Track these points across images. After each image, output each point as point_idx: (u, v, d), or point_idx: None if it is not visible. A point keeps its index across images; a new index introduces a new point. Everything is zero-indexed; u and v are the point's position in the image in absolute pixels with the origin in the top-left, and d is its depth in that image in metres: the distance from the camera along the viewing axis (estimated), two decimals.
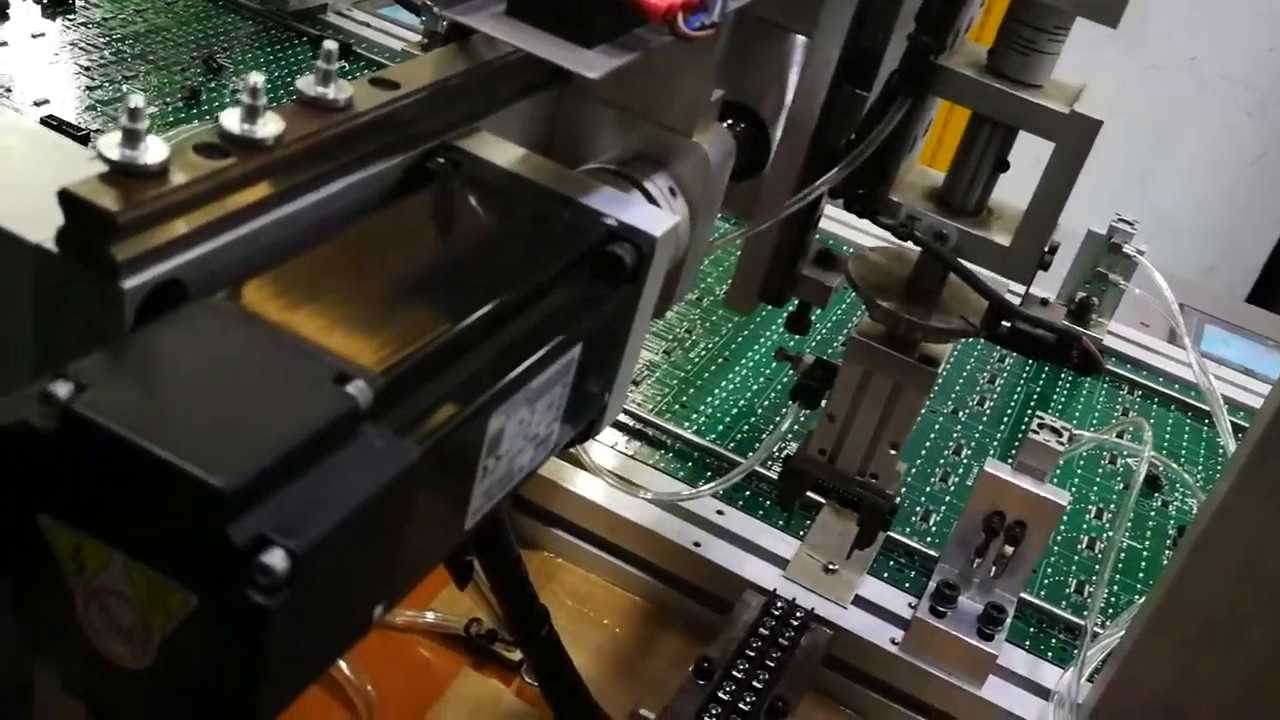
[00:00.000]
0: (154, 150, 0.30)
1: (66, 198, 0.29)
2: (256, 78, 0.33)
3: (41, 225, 0.30)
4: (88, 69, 0.95)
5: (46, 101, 0.89)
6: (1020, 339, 0.55)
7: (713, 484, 0.73)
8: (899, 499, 0.65)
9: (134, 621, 0.27)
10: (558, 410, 0.37)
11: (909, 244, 0.55)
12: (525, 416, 0.35)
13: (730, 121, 0.53)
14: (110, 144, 0.30)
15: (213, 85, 0.98)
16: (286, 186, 0.34)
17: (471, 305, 0.33)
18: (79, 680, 0.29)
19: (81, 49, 0.98)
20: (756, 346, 0.93)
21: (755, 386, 0.88)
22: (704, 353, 0.90)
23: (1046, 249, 0.54)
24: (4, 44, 0.96)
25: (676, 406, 0.83)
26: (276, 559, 0.25)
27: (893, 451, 0.61)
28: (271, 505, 0.26)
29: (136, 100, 0.30)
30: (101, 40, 1.00)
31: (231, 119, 0.33)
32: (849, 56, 0.52)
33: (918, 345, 0.59)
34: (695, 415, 0.83)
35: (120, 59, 0.98)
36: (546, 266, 0.36)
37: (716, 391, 0.86)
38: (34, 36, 0.98)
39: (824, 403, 0.63)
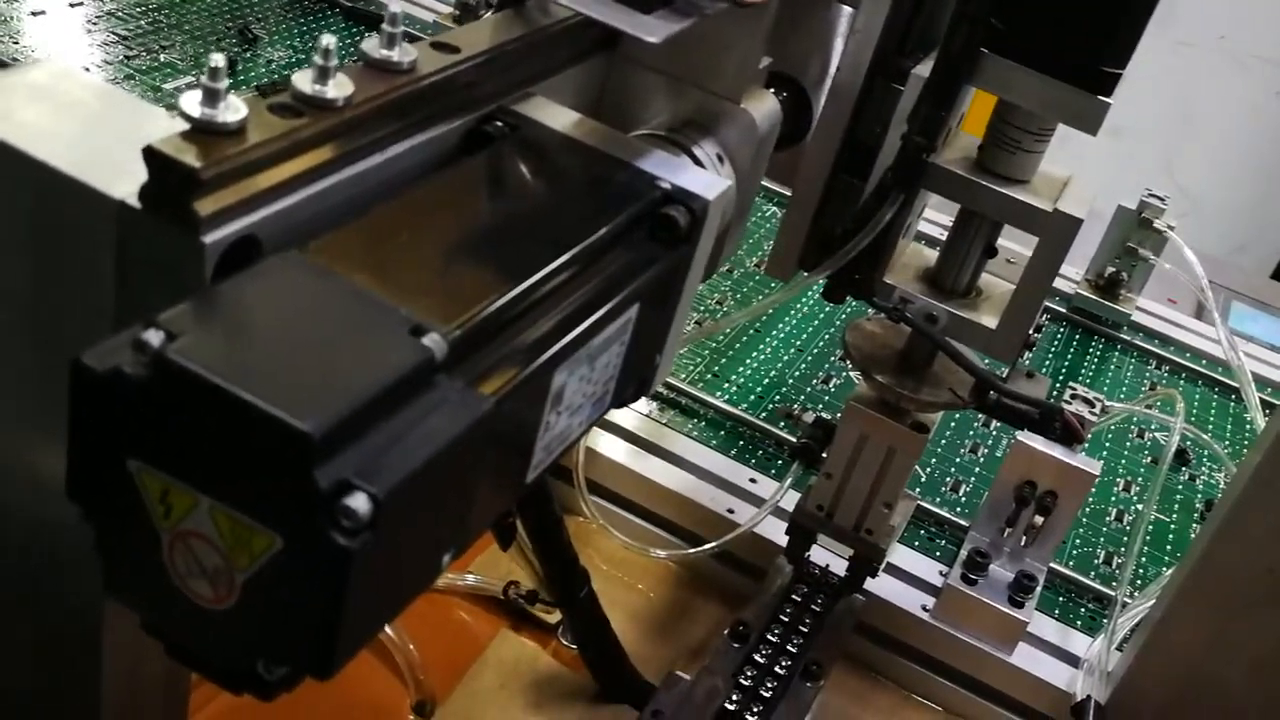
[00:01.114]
0: (233, 109, 0.31)
1: (151, 154, 0.30)
2: (328, 39, 0.33)
3: (122, 181, 0.31)
4: (125, 38, 0.96)
5: (86, 70, 0.90)
6: (1006, 411, 0.59)
7: (714, 544, 0.71)
8: (931, 464, 0.66)
9: (218, 563, 0.28)
10: (615, 368, 0.38)
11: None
12: (585, 373, 0.36)
13: (774, 90, 0.54)
14: (192, 102, 0.31)
15: (248, 55, 0.99)
16: (355, 146, 0.35)
17: (534, 264, 0.34)
18: (159, 621, 0.31)
19: (118, 18, 0.99)
20: (788, 318, 0.93)
21: (786, 357, 0.88)
22: (735, 323, 0.90)
23: (1029, 335, 0.58)
24: (42, 12, 0.97)
25: (709, 376, 0.84)
26: (359, 502, 0.26)
27: (885, 509, 0.64)
28: (354, 451, 0.26)
29: (218, 60, 0.31)
30: (138, 10, 1.01)
31: (304, 80, 0.34)
32: (846, 150, 0.55)
33: (910, 413, 0.61)
34: (727, 385, 0.84)
35: (156, 28, 0.99)
36: (604, 227, 0.37)
37: (748, 362, 0.87)
38: (71, 5, 0.99)
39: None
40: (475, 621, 0.68)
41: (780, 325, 0.92)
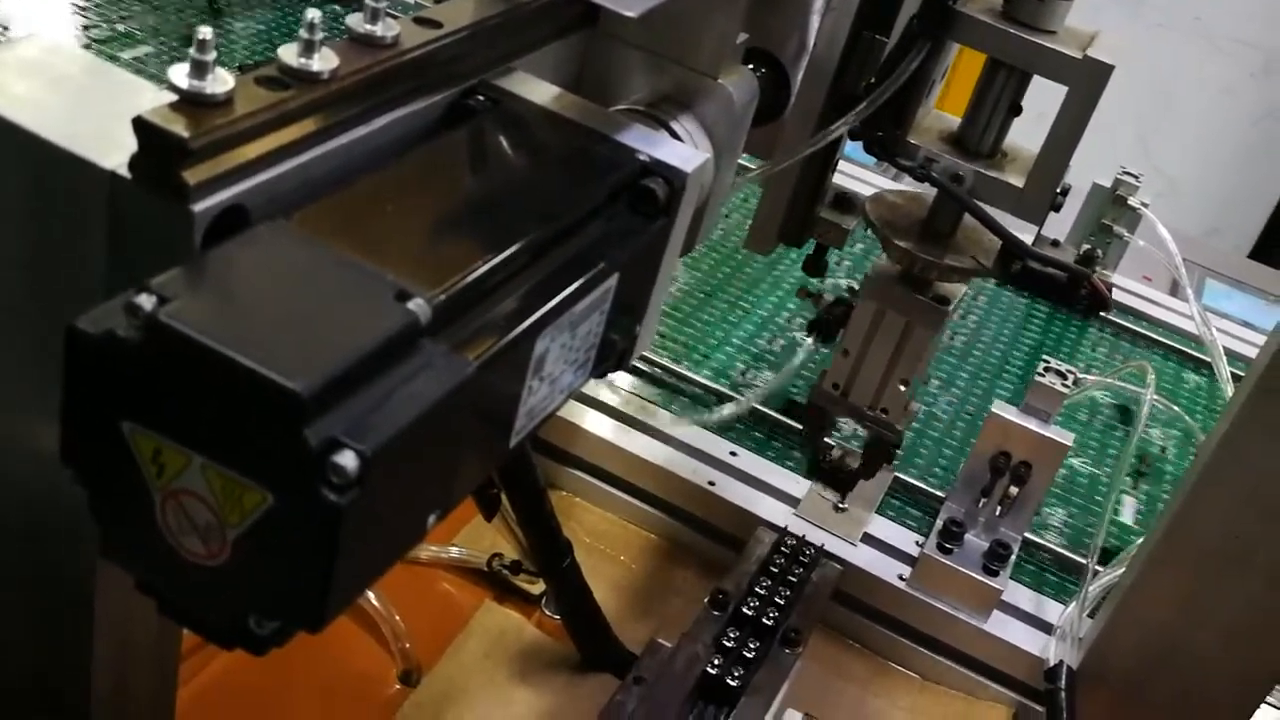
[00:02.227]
0: (220, 81, 0.32)
1: (141, 125, 0.31)
2: (313, 13, 0.34)
3: (113, 152, 0.32)
4: (84, 8, 0.96)
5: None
6: (1032, 278, 0.57)
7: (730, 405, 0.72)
8: (908, 437, 0.67)
9: (210, 520, 0.29)
10: (595, 337, 0.39)
11: (926, 185, 0.56)
12: (567, 341, 0.36)
13: (752, 66, 0.54)
14: (180, 74, 0.32)
15: (214, 26, 0.99)
16: (340, 119, 0.36)
17: (516, 233, 0.35)
18: (152, 579, 0.31)
19: None
20: (772, 298, 0.94)
21: (768, 332, 0.90)
22: (719, 301, 0.91)
23: (1059, 190, 0.56)
24: None
25: (696, 356, 0.85)
26: (348, 460, 0.27)
27: (902, 388, 0.64)
28: (342, 411, 0.27)
29: (205, 32, 0.31)
30: None
31: (290, 53, 0.34)
32: (869, 2, 0.53)
33: (932, 285, 0.61)
34: (709, 361, 0.85)
35: None
36: (584, 199, 0.38)
37: (730, 339, 0.88)
38: None
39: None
40: (460, 593, 0.69)
41: (762, 302, 0.93)
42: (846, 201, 0.61)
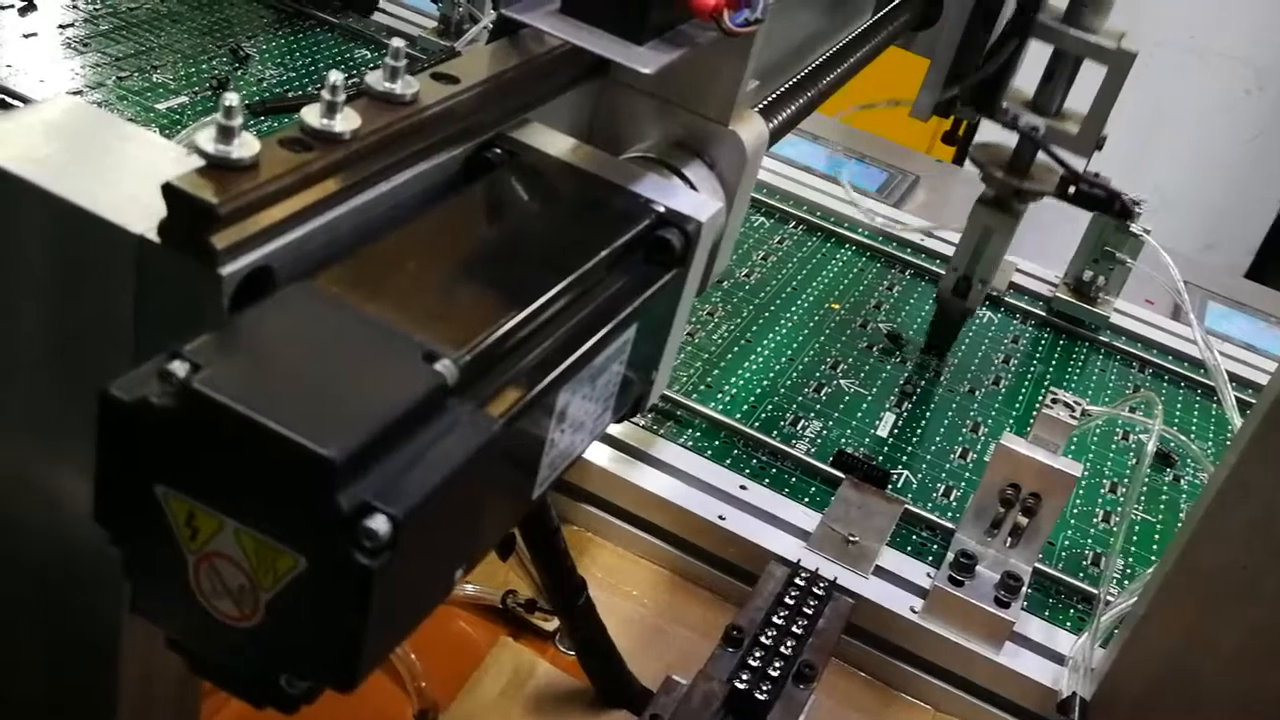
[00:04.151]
0: (246, 145, 0.33)
1: (170, 191, 0.31)
2: (336, 76, 0.35)
3: (141, 217, 0.32)
4: (117, 60, 0.97)
5: (80, 93, 0.91)
6: (1082, 196, 0.85)
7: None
8: (919, 470, 0.67)
9: (243, 583, 0.29)
10: (614, 386, 0.39)
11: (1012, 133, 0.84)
12: (587, 392, 0.37)
13: None
14: (206, 139, 0.32)
15: (240, 74, 1.00)
16: (362, 177, 0.36)
17: (538, 288, 0.35)
18: (184, 639, 0.32)
19: (110, 39, 1.00)
20: (777, 328, 0.95)
21: (777, 368, 0.90)
22: (726, 335, 0.92)
23: (1099, 139, 0.84)
24: (34, 34, 0.98)
25: (702, 387, 0.85)
26: (379, 524, 0.27)
27: (980, 285, 0.93)
28: (373, 474, 0.28)
29: (232, 99, 0.32)
30: (128, 31, 1.02)
31: (312, 114, 0.35)
32: (980, 11, 0.81)
33: (1013, 207, 0.89)
34: (720, 395, 0.85)
35: (147, 49, 1.00)
36: (602, 251, 0.39)
37: (740, 372, 0.88)
38: (61, 27, 1.00)
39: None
40: (475, 630, 0.69)
41: (769, 336, 0.94)
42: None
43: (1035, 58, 0.86)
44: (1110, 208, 0.85)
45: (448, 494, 0.29)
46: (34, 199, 0.33)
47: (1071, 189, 0.85)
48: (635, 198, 0.41)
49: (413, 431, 0.29)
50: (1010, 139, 0.87)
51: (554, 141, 0.43)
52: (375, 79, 0.38)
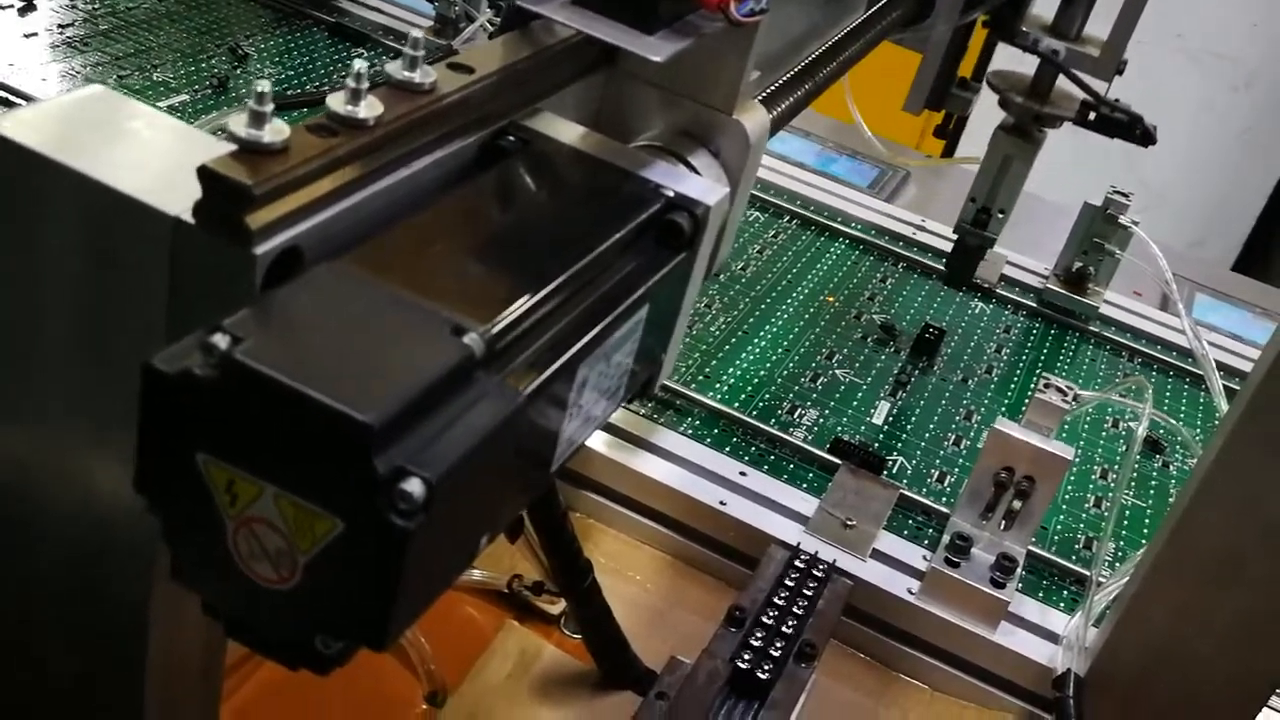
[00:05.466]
0: (276, 130, 0.34)
1: (206, 173, 0.32)
2: (360, 65, 0.36)
3: (176, 199, 0.34)
4: (117, 59, 0.98)
5: None
6: (1103, 120, 0.87)
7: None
8: (914, 455, 0.69)
9: (282, 546, 0.30)
10: (627, 365, 0.41)
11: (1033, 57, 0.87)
12: (603, 369, 0.38)
13: None
14: (239, 124, 0.34)
15: (239, 73, 1.01)
16: (384, 162, 0.37)
17: (555, 268, 0.37)
18: (221, 603, 0.33)
19: (110, 39, 1.01)
20: (773, 320, 0.96)
21: (774, 357, 0.92)
22: (724, 326, 0.93)
23: (1120, 63, 0.87)
24: (34, 34, 0.99)
25: (701, 377, 0.87)
26: (414, 486, 0.28)
27: (1000, 216, 0.97)
28: (407, 441, 0.29)
29: (263, 86, 0.33)
30: (128, 30, 1.03)
31: (338, 101, 0.36)
32: None
33: (1032, 135, 0.92)
34: (719, 384, 0.87)
35: (147, 48, 1.01)
36: (615, 234, 0.40)
37: (738, 362, 0.90)
38: (61, 27, 1.01)
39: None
40: (481, 614, 0.70)
41: (766, 327, 0.95)
42: (967, 84, 0.93)
43: None
44: (1131, 132, 0.85)
45: (477, 461, 0.31)
46: (69, 183, 0.35)
47: (1092, 114, 0.86)
48: (645, 183, 0.43)
49: (443, 401, 0.30)
50: (1027, 67, 0.89)
51: (566, 129, 0.44)
52: (395, 68, 0.39)
